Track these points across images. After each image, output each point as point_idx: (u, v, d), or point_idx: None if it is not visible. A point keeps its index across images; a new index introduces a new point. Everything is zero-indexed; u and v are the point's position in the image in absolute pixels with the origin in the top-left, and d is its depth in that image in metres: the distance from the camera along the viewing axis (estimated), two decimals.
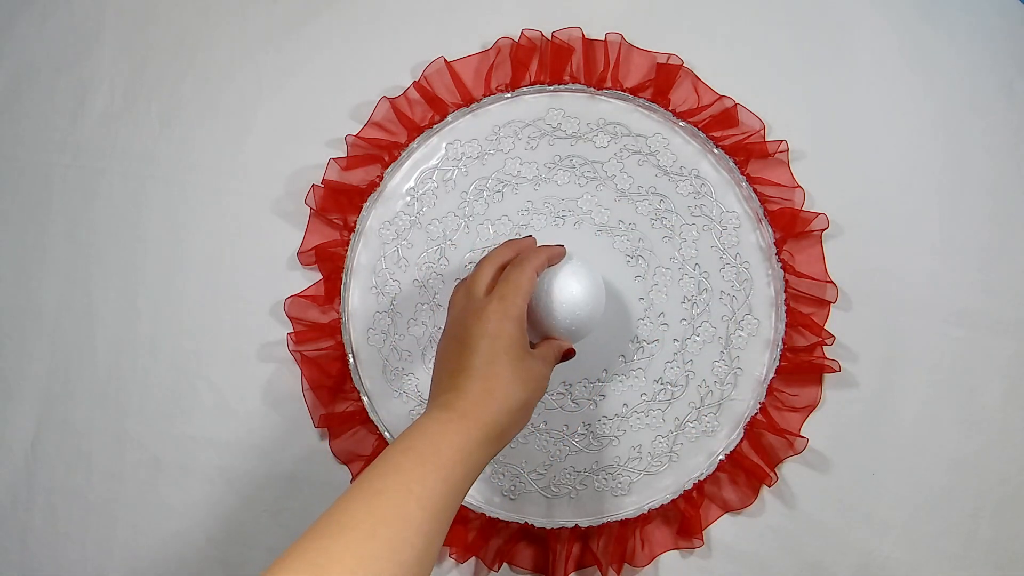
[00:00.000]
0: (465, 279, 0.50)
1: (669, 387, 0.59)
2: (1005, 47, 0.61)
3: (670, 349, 0.59)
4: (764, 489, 0.57)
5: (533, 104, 0.61)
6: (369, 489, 0.37)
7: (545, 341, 0.50)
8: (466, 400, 0.42)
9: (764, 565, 0.58)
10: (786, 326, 0.58)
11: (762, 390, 0.58)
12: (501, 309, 0.45)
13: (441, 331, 0.49)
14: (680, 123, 0.60)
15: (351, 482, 0.58)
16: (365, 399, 0.59)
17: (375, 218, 0.61)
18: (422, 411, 0.59)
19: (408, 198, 0.61)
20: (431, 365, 0.59)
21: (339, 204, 0.60)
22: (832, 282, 0.58)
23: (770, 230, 0.59)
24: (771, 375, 0.58)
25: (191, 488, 0.60)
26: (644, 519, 0.58)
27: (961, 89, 0.61)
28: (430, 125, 0.60)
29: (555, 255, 0.51)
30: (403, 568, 0.34)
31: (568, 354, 0.50)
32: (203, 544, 0.60)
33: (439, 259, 0.60)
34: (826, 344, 0.57)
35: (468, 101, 0.61)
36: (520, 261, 0.48)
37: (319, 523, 0.36)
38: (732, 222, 0.60)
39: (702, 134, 0.60)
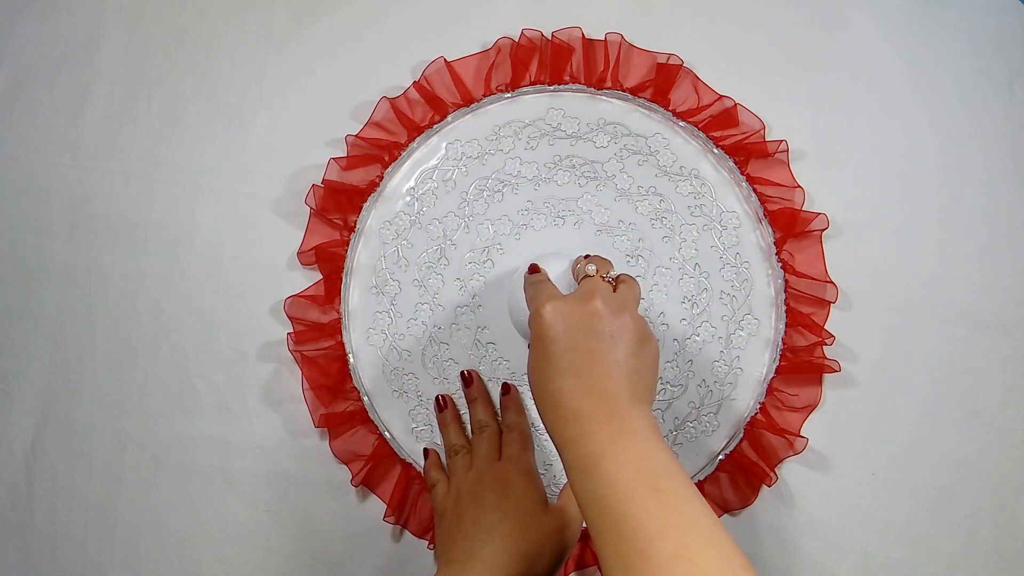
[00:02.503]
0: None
1: (669, 387, 0.59)
2: (1005, 47, 0.61)
3: (670, 349, 0.59)
4: (764, 489, 0.57)
5: (533, 104, 0.61)
6: None
7: (565, 491, 0.53)
8: (482, 565, 0.43)
9: (764, 565, 0.58)
10: (786, 326, 0.58)
11: (762, 390, 0.58)
12: (514, 465, 0.50)
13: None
14: (680, 123, 0.60)
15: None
16: (365, 399, 0.59)
17: (375, 218, 0.61)
18: (422, 410, 0.59)
19: (408, 198, 0.61)
20: (431, 365, 0.60)
21: (339, 204, 0.60)
22: (832, 282, 0.58)
23: (770, 230, 0.59)
24: (771, 375, 0.58)
25: (191, 488, 0.60)
26: None
27: (961, 89, 0.61)
28: (430, 125, 0.60)
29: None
30: None
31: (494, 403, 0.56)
32: (203, 544, 0.60)
33: (439, 259, 0.60)
34: (826, 344, 0.57)
35: (468, 101, 0.61)
36: (511, 409, 0.56)
37: None
38: (732, 222, 0.60)
39: (702, 134, 0.60)
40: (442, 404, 0.58)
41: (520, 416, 0.56)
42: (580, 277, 0.50)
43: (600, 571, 0.34)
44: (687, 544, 0.32)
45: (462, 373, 0.58)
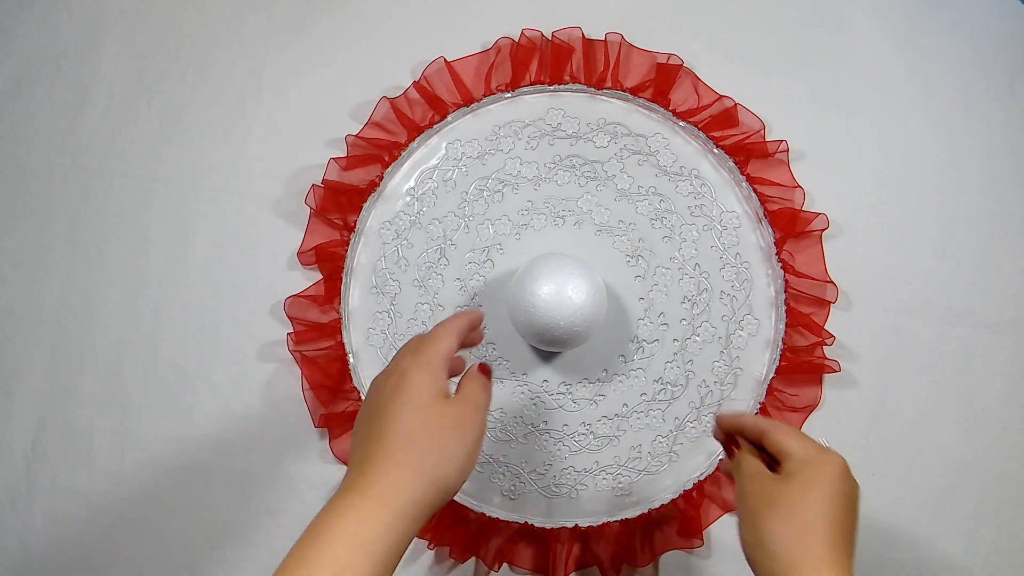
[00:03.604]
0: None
1: (669, 387, 0.59)
2: (1005, 47, 0.61)
3: (670, 349, 0.59)
4: None
5: (533, 104, 0.61)
6: None
7: (466, 376, 0.43)
8: (371, 474, 0.37)
9: None
10: (786, 326, 0.58)
11: (762, 390, 0.58)
12: (411, 360, 0.41)
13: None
14: (680, 123, 0.60)
15: None
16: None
17: (375, 218, 0.61)
18: None
19: (408, 198, 0.61)
20: None
21: (339, 204, 0.60)
22: (832, 282, 0.58)
23: (770, 230, 0.59)
24: (771, 375, 0.58)
25: (191, 488, 0.60)
26: (644, 519, 0.58)
27: (961, 89, 0.61)
28: (430, 125, 0.60)
29: (475, 319, 0.46)
30: None
31: (484, 370, 0.44)
32: (203, 543, 0.60)
33: (439, 259, 0.60)
34: (826, 344, 0.57)
35: (468, 101, 0.61)
36: (441, 323, 0.44)
37: None
38: (732, 222, 0.60)
39: (702, 134, 0.60)
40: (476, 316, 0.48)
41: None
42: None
43: None
44: None
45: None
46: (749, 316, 0.59)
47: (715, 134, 0.59)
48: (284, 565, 0.35)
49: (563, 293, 0.56)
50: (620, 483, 0.59)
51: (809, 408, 0.58)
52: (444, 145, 0.61)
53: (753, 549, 0.41)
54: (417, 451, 0.38)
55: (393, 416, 0.39)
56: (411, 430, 0.38)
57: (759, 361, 0.59)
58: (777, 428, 0.44)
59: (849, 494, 0.41)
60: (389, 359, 0.59)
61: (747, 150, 0.59)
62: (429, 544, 0.58)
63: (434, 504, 0.38)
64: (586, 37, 0.60)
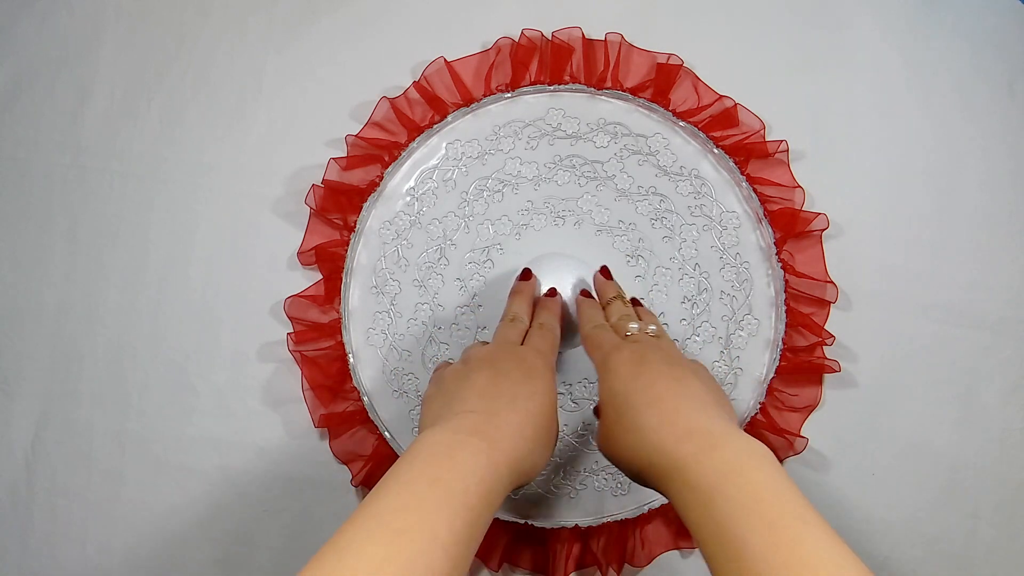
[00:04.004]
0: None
1: None
2: (1005, 47, 0.61)
3: None
4: None
5: (533, 104, 0.61)
6: (389, 527, 0.31)
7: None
8: (498, 428, 0.38)
9: None
10: (786, 326, 0.58)
11: (762, 390, 0.58)
12: (543, 360, 0.45)
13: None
14: (680, 123, 0.60)
15: (359, 491, 0.58)
16: (365, 399, 0.59)
17: (375, 218, 0.61)
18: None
19: (408, 198, 0.61)
20: (431, 365, 0.60)
21: (339, 204, 0.60)
22: (832, 282, 0.58)
23: (770, 230, 0.59)
24: (771, 375, 0.58)
25: (191, 488, 0.60)
26: (644, 519, 0.58)
27: (960, 89, 0.61)
28: (430, 125, 0.60)
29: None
30: None
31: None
32: (203, 544, 0.60)
33: (439, 259, 0.60)
34: (826, 344, 0.57)
35: (468, 101, 0.61)
36: (549, 311, 0.52)
37: (326, 559, 0.30)
38: (732, 222, 0.60)
39: (702, 134, 0.60)
40: (527, 274, 0.55)
41: (555, 319, 0.52)
42: (623, 333, 0.48)
43: None
44: None
45: (525, 269, 0.55)
46: (749, 316, 0.59)
47: (715, 134, 0.59)
48: (423, 495, 0.33)
49: (563, 293, 0.56)
50: (620, 483, 0.59)
51: (809, 408, 0.58)
52: (444, 145, 0.61)
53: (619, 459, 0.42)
54: (538, 437, 0.40)
55: (527, 397, 0.41)
56: (542, 418, 0.41)
57: (759, 361, 0.59)
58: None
59: (640, 372, 0.42)
60: (389, 359, 0.60)
61: (747, 150, 0.59)
62: None
63: (513, 488, 0.39)
64: (586, 37, 0.60)
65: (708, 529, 0.33)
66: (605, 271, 0.56)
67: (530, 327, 0.51)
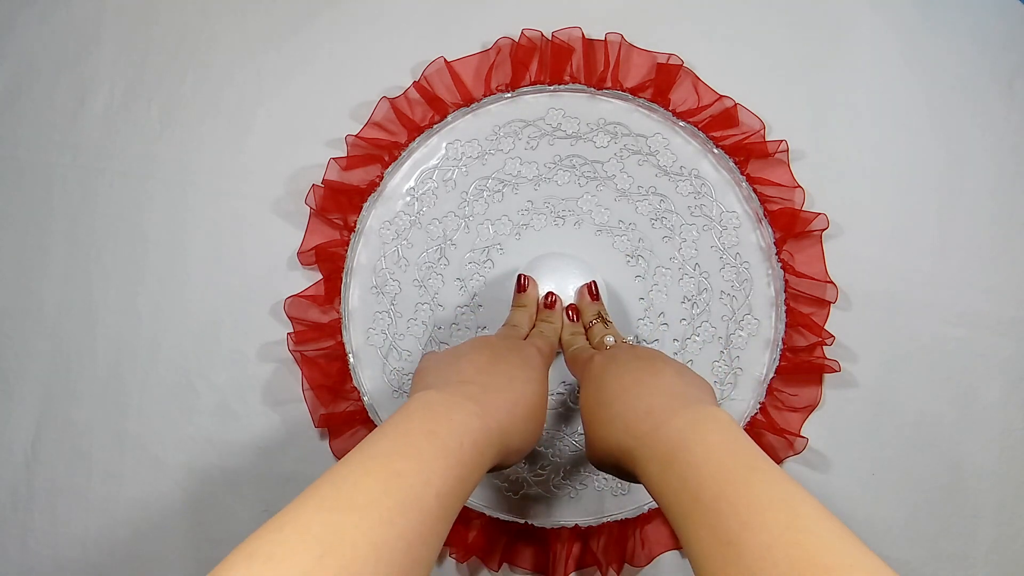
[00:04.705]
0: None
1: None
2: (1005, 47, 0.61)
3: (670, 349, 0.59)
4: None
5: (533, 104, 0.61)
6: (388, 468, 0.32)
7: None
8: (492, 401, 0.39)
9: None
10: (786, 326, 0.58)
11: (762, 390, 0.58)
12: (540, 355, 0.47)
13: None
14: (680, 123, 0.60)
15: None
16: (365, 399, 0.59)
17: (375, 218, 0.61)
18: None
19: (408, 198, 0.61)
20: None
21: (339, 204, 0.60)
22: (832, 282, 0.58)
23: (770, 230, 0.59)
24: (771, 375, 0.58)
25: (191, 488, 0.60)
26: (644, 519, 0.58)
27: (961, 89, 0.61)
28: (430, 125, 0.60)
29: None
30: (416, 566, 0.30)
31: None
32: (203, 544, 0.60)
33: (439, 259, 0.60)
34: (826, 344, 0.57)
35: (468, 101, 0.61)
36: (550, 320, 0.54)
37: (323, 491, 0.30)
38: (732, 222, 0.60)
39: (702, 134, 0.60)
40: (523, 285, 0.56)
41: (554, 331, 0.54)
42: (595, 341, 0.51)
43: (692, 564, 0.32)
44: (800, 515, 0.29)
45: (519, 277, 0.56)
46: (749, 316, 0.59)
47: (715, 134, 0.59)
48: (420, 445, 0.34)
49: (563, 293, 0.56)
50: (620, 483, 0.59)
51: (809, 408, 0.58)
52: (444, 145, 0.61)
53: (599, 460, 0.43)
54: (527, 417, 0.41)
55: (524, 381, 0.43)
56: (525, 392, 0.42)
57: (759, 361, 0.59)
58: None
59: (604, 375, 0.44)
60: (389, 359, 0.60)
61: (747, 150, 0.59)
62: None
63: (498, 465, 0.40)
64: (586, 37, 0.60)
65: (668, 493, 0.34)
66: (591, 290, 0.56)
67: (530, 334, 0.53)
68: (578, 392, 0.59)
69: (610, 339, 0.50)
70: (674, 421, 0.36)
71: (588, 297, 0.55)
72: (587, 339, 0.53)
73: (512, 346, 0.47)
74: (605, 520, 0.58)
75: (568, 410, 0.59)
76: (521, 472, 0.59)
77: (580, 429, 0.59)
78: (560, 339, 0.54)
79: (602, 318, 0.53)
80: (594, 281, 0.56)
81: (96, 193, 0.62)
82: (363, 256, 0.60)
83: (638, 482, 0.39)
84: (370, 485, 0.31)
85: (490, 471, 0.40)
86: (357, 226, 0.60)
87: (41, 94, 0.64)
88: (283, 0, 0.63)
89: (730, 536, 0.29)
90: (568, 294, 0.56)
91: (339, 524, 0.29)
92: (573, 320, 0.54)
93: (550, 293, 0.56)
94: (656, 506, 0.58)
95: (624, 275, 0.59)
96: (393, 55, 0.62)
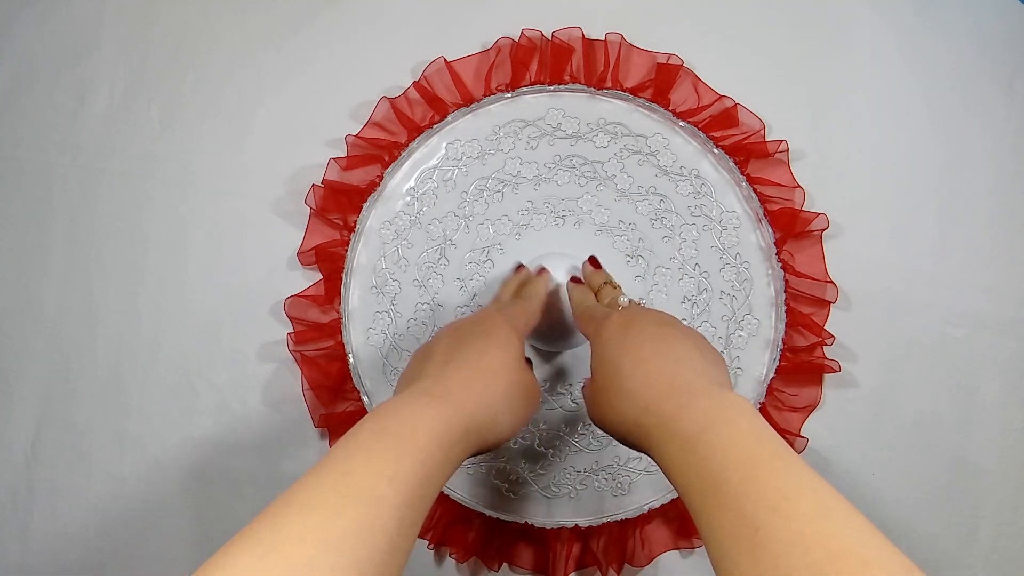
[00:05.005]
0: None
1: None
2: (1005, 47, 0.61)
3: None
4: None
5: (533, 104, 0.61)
6: (335, 470, 0.32)
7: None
8: (446, 386, 0.39)
9: None
10: (786, 326, 0.58)
11: (762, 390, 0.58)
12: (503, 316, 0.45)
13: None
14: (680, 123, 0.60)
15: None
16: (365, 399, 0.59)
17: (375, 218, 0.61)
18: None
19: (408, 198, 0.61)
20: None
21: (339, 204, 0.60)
22: (832, 282, 0.58)
23: (770, 230, 0.59)
24: (771, 375, 0.58)
25: (191, 488, 0.60)
26: (644, 519, 0.58)
27: (961, 89, 0.61)
28: (430, 125, 0.60)
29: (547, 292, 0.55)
30: (374, 552, 0.30)
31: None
32: (203, 544, 0.60)
33: (439, 259, 0.60)
34: (826, 344, 0.57)
35: (468, 101, 0.60)
36: (532, 283, 0.53)
37: (275, 504, 0.31)
38: (732, 222, 0.60)
39: (702, 134, 0.60)
40: (519, 269, 0.57)
41: (536, 292, 0.53)
42: (606, 301, 0.50)
43: (710, 554, 0.31)
44: (831, 508, 0.29)
45: (519, 265, 0.57)
46: (749, 316, 0.59)
47: (715, 134, 0.59)
48: (369, 444, 0.34)
49: (562, 293, 0.56)
50: (620, 483, 0.59)
51: (809, 408, 0.58)
52: (444, 145, 0.61)
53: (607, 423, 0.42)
54: (492, 390, 0.40)
55: (479, 353, 0.42)
56: (494, 370, 0.41)
57: (759, 361, 0.59)
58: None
59: (627, 339, 0.42)
60: (389, 359, 0.60)
61: (747, 150, 0.59)
62: (429, 544, 0.58)
63: (482, 445, 0.40)
64: (586, 37, 0.60)
65: (688, 475, 0.34)
66: (594, 261, 0.57)
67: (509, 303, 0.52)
68: (581, 384, 0.59)
69: (624, 299, 0.49)
70: (699, 403, 0.36)
71: (592, 267, 0.55)
72: (598, 301, 0.52)
73: (472, 321, 0.46)
74: (605, 520, 0.58)
75: (570, 411, 0.59)
76: (521, 472, 0.59)
77: (580, 429, 0.59)
78: (571, 300, 0.53)
79: (610, 283, 0.53)
80: (594, 255, 0.56)
81: (96, 193, 0.62)
82: (363, 256, 0.60)
83: (640, 450, 0.39)
84: (319, 487, 0.31)
85: (483, 452, 0.40)
86: (357, 226, 0.60)
87: (41, 94, 0.64)
88: (283, 0, 0.63)
89: (757, 522, 0.29)
90: (567, 294, 0.56)
91: (283, 524, 0.29)
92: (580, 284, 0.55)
93: (542, 267, 0.56)
94: (656, 506, 0.58)
95: (624, 275, 0.59)
96: (393, 55, 0.62)
